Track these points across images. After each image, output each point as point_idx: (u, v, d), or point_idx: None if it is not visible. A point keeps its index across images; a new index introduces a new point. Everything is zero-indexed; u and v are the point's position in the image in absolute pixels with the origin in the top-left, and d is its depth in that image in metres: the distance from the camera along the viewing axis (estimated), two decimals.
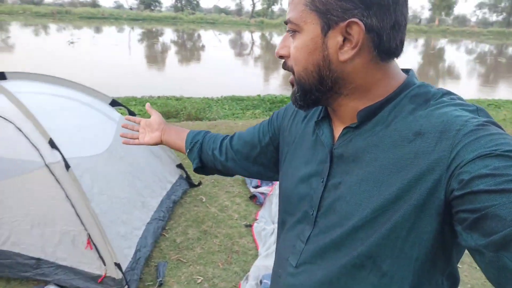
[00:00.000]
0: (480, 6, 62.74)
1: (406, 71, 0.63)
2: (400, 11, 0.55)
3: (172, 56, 17.23)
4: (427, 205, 0.51)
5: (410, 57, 20.47)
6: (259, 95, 8.01)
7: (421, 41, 34.50)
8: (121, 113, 2.96)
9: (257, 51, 22.06)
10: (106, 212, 2.09)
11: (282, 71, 15.02)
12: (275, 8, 63.48)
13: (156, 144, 1.03)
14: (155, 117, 1.04)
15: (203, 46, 22.41)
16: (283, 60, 0.64)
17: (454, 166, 0.48)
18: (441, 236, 0.52)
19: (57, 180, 1.93)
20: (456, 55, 23.39)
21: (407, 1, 0.57)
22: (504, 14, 58.99)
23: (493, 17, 61.95)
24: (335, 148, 0.63)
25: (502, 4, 58.50)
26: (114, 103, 2.93)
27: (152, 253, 2.36)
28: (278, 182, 3.35)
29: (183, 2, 62.04)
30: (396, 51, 0.58)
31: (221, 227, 2.75)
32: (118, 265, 1.89)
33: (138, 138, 1.06)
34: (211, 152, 0.95)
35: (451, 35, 42.74)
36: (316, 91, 0.60)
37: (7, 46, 16.04)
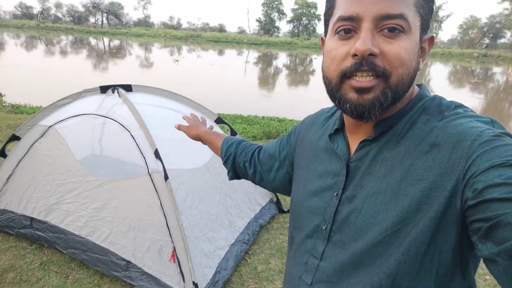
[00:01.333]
0: None
1: (418, 86, 0.63)
2: None
3: (282, 79, 17.81)
4: (445, 215, 0.50)
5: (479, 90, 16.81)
6: None
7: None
8: (226, 130, 3.06)
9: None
10: (194, 227, 2.12)
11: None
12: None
13: (194, 135, 1.12)
14: (195, 135, 1.13)
15: (313, 71, 22.61)
16: (359, 62, 0.54)
17: (469, 176, 0.48)
18: (459, 247, 0.51)
19: (156, 189, 2.04)
20: None
21: None
22: None
23: None
24: (352, 161, 0.63)
25: None
26: (219, 120, 3.04)
27: (231, 277, 2.29)
28: None
29: (300, 28, 64.38)
30: None
31: None
32: (195, 285, 1.87)
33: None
34: (242, 164, 0.98)
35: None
36: (403, 96, 0.57)
37: (148, 63, 18.95)
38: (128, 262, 2.03)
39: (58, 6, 70.77)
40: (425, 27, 0.56)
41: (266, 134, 5.87)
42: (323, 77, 0.61)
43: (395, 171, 0.56)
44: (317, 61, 30.15)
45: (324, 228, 0.64)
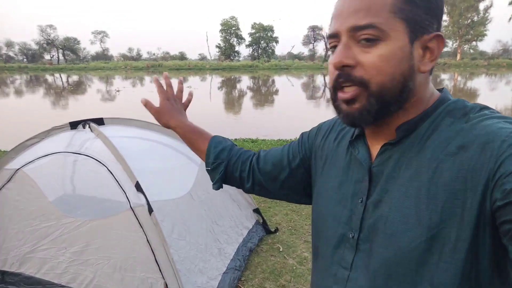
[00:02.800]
0: None
1: (440, 90, 0.63)
2: None
3: (248, 100, 18.02)
4: (479, 219, 0.49)
5: (503, 93, 18.34)
6: None
7: None
8: None
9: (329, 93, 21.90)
10: (184, 259, 2.02)
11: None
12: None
13: (165, 125, 0.95)
14: (165, 121, 0.96)
15: (276, 91, 23.12)
16: (339, 73, 0.58)
17: (498, 176, 0.47)
18: (494, 251, 0.49)
19: (140, 224, 1.94)
20: None
21: None
22: None
23: None
24: (374, 166, 0.62)
25: None
26: None
27: None
28: None
29: (259, 51, 66.10)
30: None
31: (301, 282, 2.49)
32: None
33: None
34: (238, 174, 0.89)
35: None
36: (395, 103, 0.57)
37: (110, 96, 18.52)
38: None
39: (9, 45, 68.18)
40: (418, 28, 0.55)
41: None
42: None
43: (422, 175, 0.55)
44: (279, 82, 30.90)
45: (351, 236, 0.62)
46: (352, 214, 0.63)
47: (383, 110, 0.57)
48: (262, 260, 2.74)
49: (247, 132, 8.29)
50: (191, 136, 0.94)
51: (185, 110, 1.01)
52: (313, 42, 71.40)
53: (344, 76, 0.57)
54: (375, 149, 0.64)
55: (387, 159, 0.60)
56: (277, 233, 3.17)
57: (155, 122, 2.85)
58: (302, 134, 0.86)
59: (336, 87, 0.60)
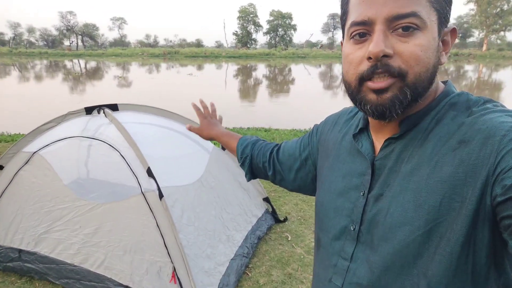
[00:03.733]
0: None
1: (444, 82, 0.62)
2: None
3: (263, 89, 17.93)
4: (478, 213, 0.49)
5: None
6: None
7: None
8: (215, 144, 3.02)
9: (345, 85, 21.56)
10: (192, 244, 2.06)
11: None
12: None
13: (208, 137, 1.12)
14: (212, 137, 1.12)
15: (293, 80, 22.90)
16: (375, 64, 0.54)
17: (498, 171, 0.46)
18: (492, 245, 0.50)
19: (150, 208, 1.98)
20: None
21: None
22: None
23: None
24: (377, 160, 0.62)
25: None
26: None
27: None
28: None
29: (276, 39, 65.36)
30: None
31: (308, 271, 2.51)
32: None
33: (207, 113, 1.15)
34: (261, 165, 0.97)
35: None
36: (424, 93, 0.56)
37: (127, 82, 18.75)
38: (126, 287, 1.95)
39: (30, 31, 69.64)
40: (443, 20, 0.55)
41: None
42: (343, 81, 0.62)
43: (422, 168, 0.55)
44: (295, 70, 30.57)
45: (352, 229, 0.63)
46: (354, 206, 0.63)
47: (414, 101, 0.56)
48: (270, 248, 2.76)
49: (261, 121, 8.28)
50: (226, 140, 1.07)
51: (220, 122, 1.17)
52: (332, 30, 70.04)
53: (382, 67, 0.54)
54: (378, 142, 0.64)
55: (390, 152, 0.60)
56: (286, 222, 3.19)
57: (170, 109, 2.87)
58: (314, 126, 0.89)
59: (363, 78, 0.56)
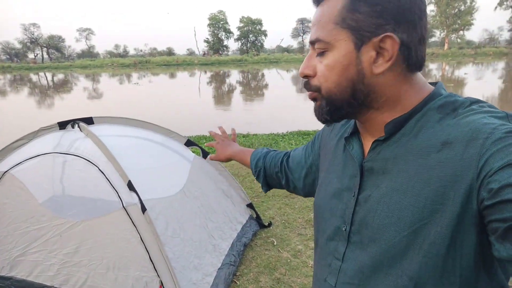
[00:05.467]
0: None
1: (435, 84, 0.63)
2: (424, 26, 0.57)
3: (237, 95, 17.96)
4: (463, 216, 0.49)
5: (489, 81, 18.62)
6: None
7: (501, 64, 31.45)
8: (195, 153, 2.98)
9: None
10: (179, 256, 2.02)
11: None
12: None
13: (225, 159, 1.15)
14: (228, 158, 1.16)
15: (266, 85, 23.08)
16: (305, 80, 0.65)
17: (483, 175, 0.47)
18: (480, 248, 0.50)
19: (133, 223, 1.92)
20: None
21: (426, 17, 0.58)
22: None
23: None
24: (365, 162, 0.64)
25: None
26: (189, 143, 2.97)
27: None
28: None
29: (248, 45, 65.76)
30: (423, 63, 0.59)
31: (296, 275, 2.51)
32: None
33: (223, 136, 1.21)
34: (275, 175, 1.00)
35: None
36: (347, 106, 0.61)
37: (98, 94, 18.25)
38: None
39: None
40: (363, 34, 0.56)
41: None
42: None
43: (408, 170, 0.56)
44: (269, 75, 30.84)
45: (344, 229, 0.65)
46: (346, 207, 0.65)
47: (335, 111, 0.62)
48: (257, 254, 2.75)
49: (239, 127, 8.27)
50: (241, 157, 1.12)
51: (234, 141, 1.23)
52: (302, 34, 71.31)
53: (305, 85, 0.64)
54: (367, 145, 0.66)
55: (377, 155, 0.62)
56: (271, 227, 3.19)
57: (146, 120, 2.82)
58: (317, 132, 0.92)
59: None
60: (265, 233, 3.10)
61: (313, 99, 0.65)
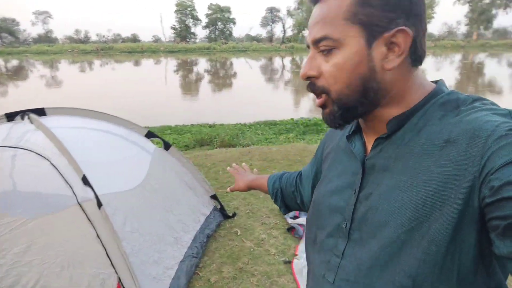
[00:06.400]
0: None
1: (436, 82, 0.62)
2: (425, 20, 0.58)
3: (205, 84, 17.71)
4: (464, 214, 0.49)
5: (447, 73, 19.61)
6: (292, 119, 7.89)
7: (458, 57, 33.19)
8: (157, 143, 2.92)
9: (287, 75, 22.20)
10: (137, 251, 1.98)
11: (313, 94, 14.88)
12: (306, 33, 64.32)
13: (246, 188, 1.15)
14: (247, 185, 1.16)
15: (235, 74, 22.91)
16: (308, 82, 0.63)
17: (485, 173, 0.47)
18: (479, 246, 0.50)
19: (88, 218, 1.86)
20: (498, 69, 22.10)
21: (425, 11, 0.58)
22: None
23: None
24: (367, 159, 0.63)
25: None
26: (149, 134, 2.90)
27: None
28: None
29: (216, 33, 64.67)
30: (423, 57, 0.59)
31: (258, 263, 2.56)
32: None
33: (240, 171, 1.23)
34: (291, 194, 1.00)
35: (491, 49, 40.81)
36: (359, 105, 0.59)
37: (56, 82, 17.28)
38: None
39: None
40: (375, 29, 0.55)
41: (199, 142, 5.79)
42: None
43: (409, 168, 0.56)
44: (237, 64, 30.60)
45: (344, 226, 0.64)
46: (346, 205, 0.65)
47: (348, 113, 0.60)
48: (220, 245, 2.77)
49: (205, 117, 8.19)
50: (259, 183, 1.13)
51: (250, 171, 1.25)
52: (271, 24, 71.10)
53: (310, 86, 0.61)
54: (370, 143, 0.65)
55: (379, 152, 0.61)
56: (235, 218, 3.21)
57: (109, 110, 2.72)
58: (322, 139, 0.92)
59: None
60: (229, 223, 3.12)
61: (322, 105, 0.62)
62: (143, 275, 1.90)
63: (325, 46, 0.57)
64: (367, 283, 0.58)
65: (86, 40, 70.92)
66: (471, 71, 21.03)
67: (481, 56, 33.98)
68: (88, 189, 1.92)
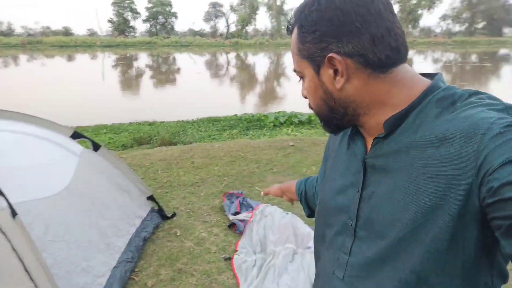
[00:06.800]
0: (444, 17, 65.75)
1: (433, 76, 0.63)
2: (375, 25, 0.56)
3: (146, 80, 17.03)
4: (464, 213, 0.50)
5: None
6: (235, 115, 7.90)
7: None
8: (85, 146, 2.73)
9: (232, 71, 22.19)
10: (62, 261, 1.85)
11: (258, 90, 15.08)
12: (249, 29, 64.75)
13: (279, 193, 1.22)
14: (277, 188, 1.23)
15: (178, 69, 22.34)
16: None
17: (483, 173, 0.47)
18: (482, 242, 0.51)
19: (1, 230, 1.69)
20: (424, 65, 24.24)
21: (380, 12, 0.57)
22: (466, 24, 62.32)
23: (456, 28, 65.21)
24: (367, 158, 0.65)
25: (464, 15, 61.85)
26: (76, 135, 2.70)
27: None
28: (257, 208, 3.12)
29: (157, 27, 62.34)
30: (390, 60, 0.58)
31: (198, 263, 2.53)
32: None
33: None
34: (312, 196, 1.04)
35: (418, 46, 44.57)
36: (333, 119, 0.66)
37: None
38: None
39: None
40: (315, 59, 0.62)
41: (137, 141, 5.55)
42: None
43: (408, 167, 0.56)
44: (180, 59, 29.85)
45: (350, 224, 0.66)
46: (351, 203, 0.66)
47: (328, 125, 0.70)
48: (158, 247, 2.69)
49: (145, 115, 7.87)
50: (289, 186, 1.17)
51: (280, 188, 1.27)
52: (214, 19, 70.30)
53: (309, 105, 0.71)
54: (370, 142, 0.66)
55: (378, 151, 0.63)
56: (175, 218, 3.13)
57: (36, 110, 2.47)
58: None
59: None
60: (168, 224, 3.04)
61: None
62: (70, 285, 1.77)
63: (298, 75, 0.68)
64: (374, 280, 0.61)
65: (9, 33, 64.11)
66: None
67: (410, 53, 36.84)
68: (1, 198, 1.74)
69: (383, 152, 0.61)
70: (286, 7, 58.96)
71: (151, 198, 3.03)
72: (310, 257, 2.51)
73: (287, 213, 2.97)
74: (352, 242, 0.66)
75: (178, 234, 2.89)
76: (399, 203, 0.57)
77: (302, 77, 0.68)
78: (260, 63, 28.06)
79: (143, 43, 45.22)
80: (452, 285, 0.54)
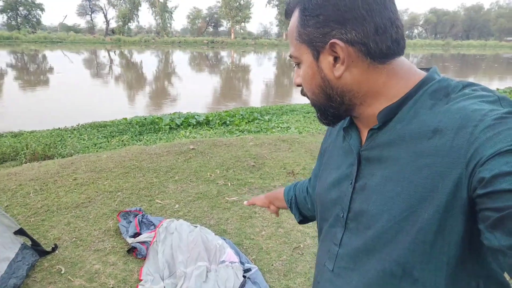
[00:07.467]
0: None
1: (427, 69, 0.63)
2: (379, 15, 0.56)
3: (9, 82, 14.35)
4: (451, 205, 0.50)
5: (267, 68, 22.25)
6: (125, 119, 7.19)
7: (273, 54, 38.15)
8: None
9: (117, 70, 20.46)
10: None
11: (148, 90, 14.24)
12: (132, 25, 60.94)
13: (265, 202, 1.16)
14: (263, 198, 1.17)
15: (51, 69, 19.50)
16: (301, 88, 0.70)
17: (473, 164, 0.47)
18: (468, 236, 0.51)
19: None
20: None
21: (385, 2, 0.57)
22: None
23: None
24: (362, 150, 0.65)
25: None
26: None
27: None
28: (160, 225, 2.78)
29: (18, 19, 53.34)
30: (390, 51, 0.58)
31: None
32: None
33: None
34: (304, 200, 1.02)
35: None
36: (329, 108, 0.65)
37: None
38: None
39: None
40: (316, 45, 0.60)
41: None
42: None
43: (401, 158, 0.56)
44: (52, 57, 26.26)
45: (342, 216, 0.67)
46: (344, 195, 0.67)
47: (324, 115, 0.67)
48: None
49: (6, 124, 6.50)
50: (276, 194, 1.13)
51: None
52: (90, 13, 63.59)
53: (301, 91, 0.70)
54: (364, 135, 0.66)
55: (372, 143, 0.62)
56: (57, 251, 2.53)
57: None
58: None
59: None
60: (48, 261, 2.43)
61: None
62: None
63: (294, 61, 0.66)
64: (361, 271, 0.62)
65: None
66: (285, 67, 24.43)
67: None
68: None
69: (377, 143, 0.62)
70: (170, 5, 57.45)
71: (20, 231, 2.38)
72: (225, 272, 2.31)
73: (196, 226, 2.70)
74: (343, 233, 0.67)
75: (63, 271, 2.33)
76: (389, 193, 0.57)
77: (298, 64, 0.66)
78: (148, 61, 26.68)
79: (1, 38, 38.16)
80: (437, 283, 0.54)
